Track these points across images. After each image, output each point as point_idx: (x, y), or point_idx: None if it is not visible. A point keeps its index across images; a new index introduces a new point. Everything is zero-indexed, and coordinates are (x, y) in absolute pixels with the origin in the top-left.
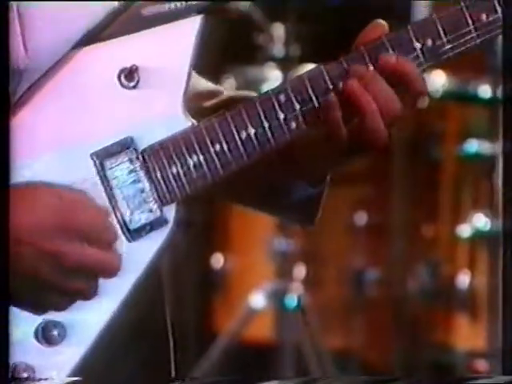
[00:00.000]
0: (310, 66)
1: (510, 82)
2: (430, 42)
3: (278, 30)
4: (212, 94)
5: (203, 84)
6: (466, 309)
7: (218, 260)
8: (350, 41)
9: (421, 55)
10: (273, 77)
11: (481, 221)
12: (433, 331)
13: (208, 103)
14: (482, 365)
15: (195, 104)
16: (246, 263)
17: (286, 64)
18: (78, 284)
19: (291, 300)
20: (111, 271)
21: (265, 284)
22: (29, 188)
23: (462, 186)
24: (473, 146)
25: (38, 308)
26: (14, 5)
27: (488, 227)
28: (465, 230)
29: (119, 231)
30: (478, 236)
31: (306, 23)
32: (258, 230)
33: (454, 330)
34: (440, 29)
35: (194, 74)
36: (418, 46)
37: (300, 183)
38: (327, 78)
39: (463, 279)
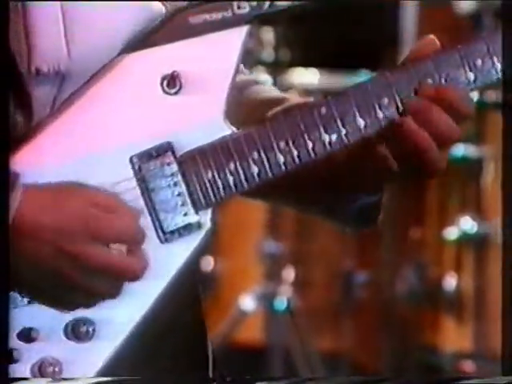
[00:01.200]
0: (299, 71)
1: (510, 86)
2: (479, 63)
3: (268, 34)
4: (276, 102)
5: (267, 92)
6: (453, 311)
7: (208, 263)
8: (340, 44)
9: (471, 75)
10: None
11: (467, 224)
12: (420, 333)
13: (270, 112)
14: (468, 366)
15: (259, 113)
16: (235, 266)
17: (275, 68)
18: (101, 285)
19: (281, 302)
20: (133, 275)
21: (254, 286)
22: (60, 189)
23: (448, 189)
24: (459, 149)
25: (64, 306)
26: (58, 8)
27: (474, 230)
28: (452, 233)
29: (154, 233)
30: (465, 239)
31: (296, 27)
32: (247, 233)
33: (442, 331)
34: (491, 49)
35: (258, 80)
36: (467, 65)
37: (359, 194)
38: (373, 96)
39: (450, 281)
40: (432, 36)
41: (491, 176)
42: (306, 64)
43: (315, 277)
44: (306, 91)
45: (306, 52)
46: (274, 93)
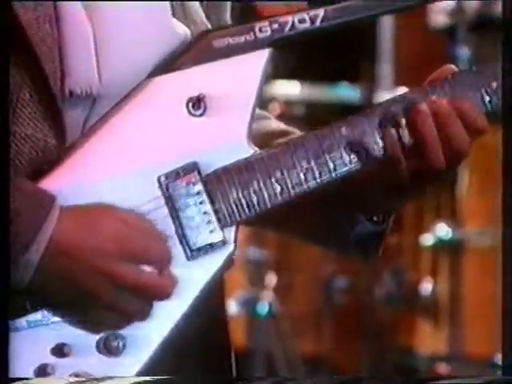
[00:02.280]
0: (281, 83)
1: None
2: (494, 84)
3: None
4: (284, 134)
5: (277, 124)
6: (429, 314)
7: None
8: (321, 58)
9: (486, 96)
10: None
11: (443, 230)
12: (397, 335)
13: (278, 141)
14: (443, 368)
15: (267, 142)
16: None
17: None
18: (133, 305)
19: (263, 307)
20: (164, 295)
21: (237, 292)
22: (95, 210)
23: (424, 196)
24: None
25: (95, 327)
26: (90, 33)
27: (450, 236)
28: (428, 239)
29: (181, 250)
30: (440, 245)
31: None
32: None
33: (418, 334)
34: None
35: (269, 115)
36: (482, 87)
37: (361, 219)
38: (389, 114)
39: (426, 286)
40: (451, 65)
41: (465, 184)
42: (288, 76)
43: (296, 282)
44: (288, 102)
45: (287, 65)
46: (282, 126)
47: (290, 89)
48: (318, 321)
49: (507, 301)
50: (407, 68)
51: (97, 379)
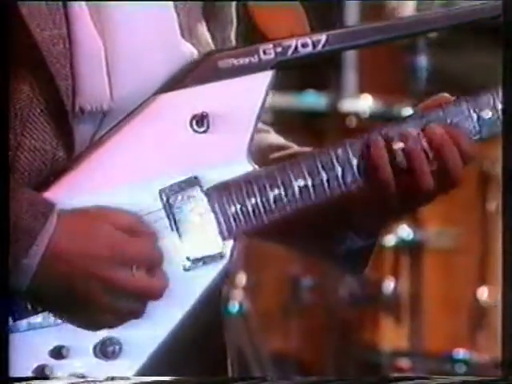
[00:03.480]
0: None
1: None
2: (485, 115)
3: None
4: (281, 148)
5: (275, 138)
6: (391, 312)
7: None
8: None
9: (477, 125)
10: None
11: (404, 231)
12: (361, 332)
13: (275, 155)
14: (404, 363)
15: (264, 155)
16: None
17: None
18: (126, 306)
19: (233, 306)
20: (154, 295)
21: None
22: (91, 215)
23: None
24: None
25: (92, 326)
26: (102, 52)
27: (410, 237)
28: (390, 240)
29: (179, 260)
30: (402, 245)
31: None
32: None
33: (380, 331)
34: (497, 102)
35: (269, 129)
36: (474, 116)
37: (351, 235)
38: (383, 138)
39: (388, 285)
40: (445, 94)
41: None
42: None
43: (265, 282)
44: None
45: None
46: (281, 140)
47: None
48: (286, 318)
49: (507, 301)
50: (371, 77)
51: (99, 381)
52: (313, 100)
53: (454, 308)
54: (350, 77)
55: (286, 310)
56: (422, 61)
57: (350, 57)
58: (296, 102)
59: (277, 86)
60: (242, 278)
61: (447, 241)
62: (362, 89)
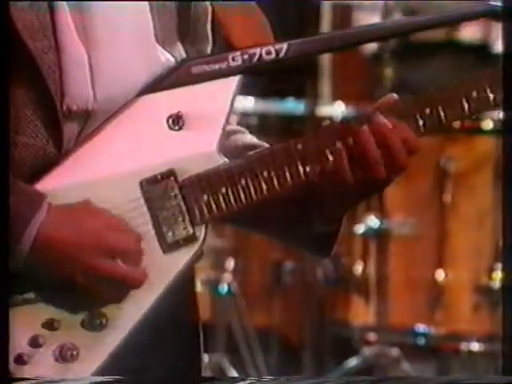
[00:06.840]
0: (238, 98)
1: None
2: (428, 110)
3: None
4: (254, 147)
5: (249, 138)
6: (361, 292)
7: None
8: (273, 77)
9: (420, 122)
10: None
11: (372, 221)
12: (335, 310)
13: (249, 153)
14: (372, 337)
15: (240, 153)
16: None
17: None
18: (108, 291)
19: (223, 287)
20: (136, 283)
21: (201, 275)
22: (79, 209)
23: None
24: None
25: (79, 303)
26: (85, 59)
27: (377, 226)
28: (359, 228)
29: (158, 244)
30: (370, 233)
31: None
32: None
33: (351, 309)
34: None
35: (245, 130)
36: (418, 112)
37: (316, 221)
38: (337, 133)
39: (358, 268)
40: (393, 94)
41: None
42: (244, 93)
43: (251, 266)
44: (244, 114)
45: (243, 83)
46: (255, 140)
47: (245, 103)
48: (269, 298)
49: (507, 301)
50: (343, 86)
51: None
52: (293, 106)
53: (415, 288)
54: (326, 86)
55: (269, 291)
56: (388, 72)
57: (326, 68)
58: (278, 108)
59: (262, 94)
60: (230, 263)
61: (409, 229)
62: (336, 96)
